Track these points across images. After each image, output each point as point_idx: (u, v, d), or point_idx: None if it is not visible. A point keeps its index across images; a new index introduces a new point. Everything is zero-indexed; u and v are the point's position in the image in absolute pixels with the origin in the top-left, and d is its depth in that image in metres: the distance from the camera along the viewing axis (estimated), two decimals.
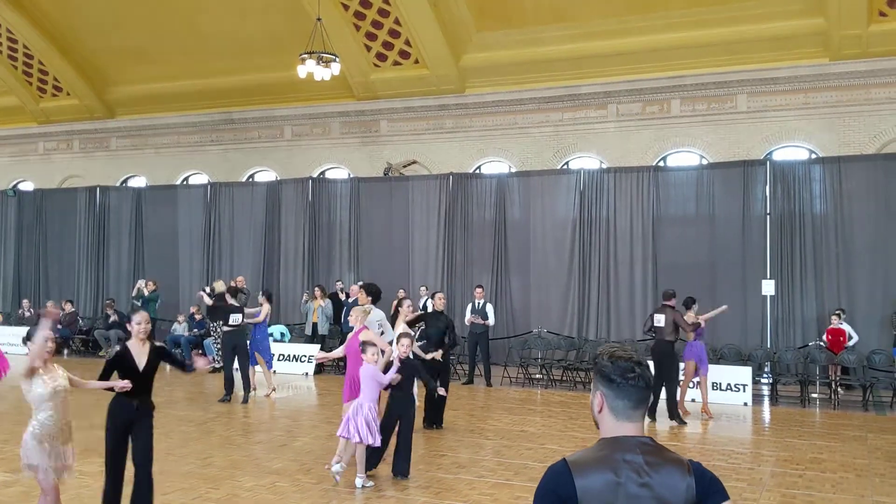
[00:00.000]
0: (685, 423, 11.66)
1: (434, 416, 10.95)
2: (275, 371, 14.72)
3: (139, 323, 6.32)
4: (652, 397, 11.52)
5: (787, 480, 8.42)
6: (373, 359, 8.03)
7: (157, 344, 6.63)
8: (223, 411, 12.20)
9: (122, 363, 6.26)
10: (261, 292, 15.04)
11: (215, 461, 8.97)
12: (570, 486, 2.39)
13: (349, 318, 9.78)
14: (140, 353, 6.31)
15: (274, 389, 13.76)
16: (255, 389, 13.52)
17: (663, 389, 11.74)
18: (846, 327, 14.65)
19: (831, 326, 14.68)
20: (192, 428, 10.83)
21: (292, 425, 11.26)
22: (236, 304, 13.49)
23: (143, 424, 6.34)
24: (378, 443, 7.94)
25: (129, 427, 6.29)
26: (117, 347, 6.53)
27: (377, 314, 10.17)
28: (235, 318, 13.25)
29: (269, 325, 15.19)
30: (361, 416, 7.82)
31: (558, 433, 10.83)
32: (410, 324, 11.44)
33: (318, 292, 17.63)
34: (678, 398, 11.90)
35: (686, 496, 2.42)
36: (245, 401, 12.88)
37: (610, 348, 2.62)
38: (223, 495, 7.57)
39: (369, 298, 10.12)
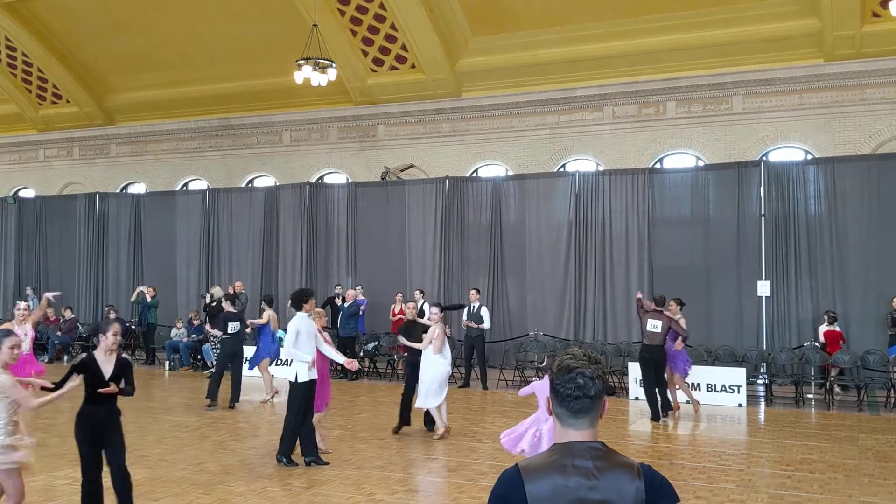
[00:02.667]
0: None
1: (405, 416, 11.03)
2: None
3: (115, 335, 6.48)
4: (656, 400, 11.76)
5: (776, 481, 8.44)
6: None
7: (124, 356, 6.80)
8: (219, 417, 12.25)
9: (86, 370, 6.38)
10: (261, 298, 15.02)
11: (208, 466, 9.03)
12: (521, 492, 2.44)
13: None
14: (105, 363, 6.46)
15: (276, 392, 13.44)
16: (277, 392, 13.29)
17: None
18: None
19: (827, 329, 14.68)
20: (187, 434, 10.90)
21: None
22: (234, 311, 13.52)
23: (113, 430, 6.50)
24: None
25: (101, 436, 6.42)
26: (83, 355, 6.63)
27: (298, 322, 9.08)
28: (234, 326, 13.27)
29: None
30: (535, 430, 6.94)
31: None
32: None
33: None
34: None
35: (635, 499, 2.44)
36: (231, 406, 12.87)
37: (564, 354, 2.65)
38: (213, 500, 7.62)
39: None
